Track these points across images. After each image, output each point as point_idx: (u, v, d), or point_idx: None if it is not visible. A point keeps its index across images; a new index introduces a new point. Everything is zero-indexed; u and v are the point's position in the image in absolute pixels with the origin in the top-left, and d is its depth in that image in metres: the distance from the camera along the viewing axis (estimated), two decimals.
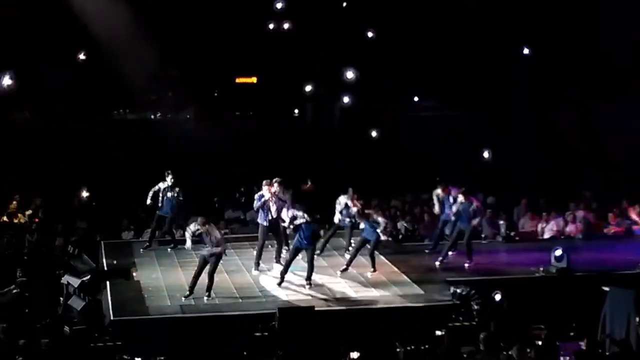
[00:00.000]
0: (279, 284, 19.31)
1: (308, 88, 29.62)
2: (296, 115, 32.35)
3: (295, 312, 17.56)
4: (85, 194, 25.27)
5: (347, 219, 21.15)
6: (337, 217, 21.25)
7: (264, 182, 20.28)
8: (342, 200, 21.10)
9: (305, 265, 19.40)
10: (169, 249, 21.81)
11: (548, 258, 20.13)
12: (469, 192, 21.22)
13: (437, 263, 20.83)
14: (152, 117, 30.41)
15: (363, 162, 29.53)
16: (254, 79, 31.81)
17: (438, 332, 16.52)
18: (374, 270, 20.18)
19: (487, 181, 27.48)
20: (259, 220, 20.36)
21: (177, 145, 28.32)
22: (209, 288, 18.55)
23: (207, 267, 18.53)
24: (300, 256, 19.65)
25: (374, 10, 29.37)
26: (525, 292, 19.06)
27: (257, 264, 20.36)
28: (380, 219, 20.10)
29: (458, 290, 18.43)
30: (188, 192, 22.07)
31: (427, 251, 21.89)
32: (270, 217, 20.12)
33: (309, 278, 19.32)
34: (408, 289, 19.39)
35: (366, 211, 20.58)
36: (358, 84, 30.15)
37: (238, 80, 31.82)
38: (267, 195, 20.09)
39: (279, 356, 16.31)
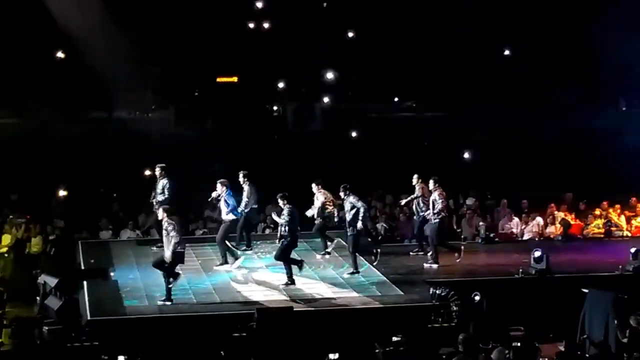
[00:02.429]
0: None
1: (281, 85, 29.68)
2: (276, 114, 32.24)
3: (273, 313, 17.47)
4: (63, 193, 25.14)
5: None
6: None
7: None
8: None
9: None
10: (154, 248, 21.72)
11: (527, 259, 20.13)
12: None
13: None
14: (132, 115, 30.22)
15: (343, 162, 29.47)
16: (234, 79, 31.72)
17: (395, 338, 16.44)
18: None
19: (467, 182, 27.50)
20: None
21: (158, 144, 28.24)
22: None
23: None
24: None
25: (354, 11, 29.34)
26: (504, 293, 19.03)
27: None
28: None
29: (437, 291, 18.39)
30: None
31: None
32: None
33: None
34: (387, 289, 19.34)
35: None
36: (338, 84, 30.15)
37: (219, 79, 31.72)
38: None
39: (257, 357, 16.24)
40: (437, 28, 29.21)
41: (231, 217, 20.44)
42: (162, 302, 18.13)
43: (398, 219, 25.15)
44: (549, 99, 30.44)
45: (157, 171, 21.40)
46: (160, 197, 21.08)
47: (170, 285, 18.15)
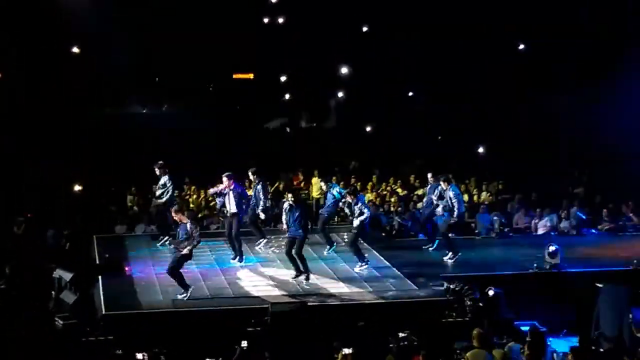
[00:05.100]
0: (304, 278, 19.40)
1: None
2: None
3: (288, 307, 17.49)
4: (78, 187, 25.19)
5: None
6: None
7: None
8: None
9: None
10: (158, 244, 21.74)
11: (541, 254, 20.11)
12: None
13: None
14: (145, 111, 30.32)
15: (357, 156, 29.54)
16: (251, 75, 31.79)
17: (401, 334, 16.45)
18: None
19: (482, 176, 27.48)
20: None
21: (169, 138, 28.36)
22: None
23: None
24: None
25: (369, 5, 29.35)
26: (518, 288, 19.01)
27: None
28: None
29: (451, 286, 18.38)
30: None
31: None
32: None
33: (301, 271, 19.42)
34: (401, 284, 19.35)
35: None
36: (353, 78, 30.18)
37: (235, 76, 31.79)
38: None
39: (271, 352, 16.25)
40: (451, 19, 29.24)
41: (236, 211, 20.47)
42: (182, 296, 18.18)
43: (412, 213, 25.12)
44: (565, 94, 30.33)
45: (157, 169, 21.47)
46: (158, 192, 21.23)
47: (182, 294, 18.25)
